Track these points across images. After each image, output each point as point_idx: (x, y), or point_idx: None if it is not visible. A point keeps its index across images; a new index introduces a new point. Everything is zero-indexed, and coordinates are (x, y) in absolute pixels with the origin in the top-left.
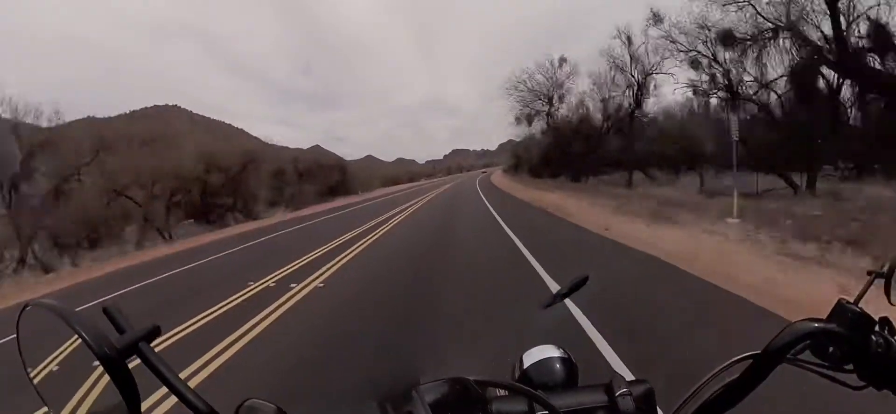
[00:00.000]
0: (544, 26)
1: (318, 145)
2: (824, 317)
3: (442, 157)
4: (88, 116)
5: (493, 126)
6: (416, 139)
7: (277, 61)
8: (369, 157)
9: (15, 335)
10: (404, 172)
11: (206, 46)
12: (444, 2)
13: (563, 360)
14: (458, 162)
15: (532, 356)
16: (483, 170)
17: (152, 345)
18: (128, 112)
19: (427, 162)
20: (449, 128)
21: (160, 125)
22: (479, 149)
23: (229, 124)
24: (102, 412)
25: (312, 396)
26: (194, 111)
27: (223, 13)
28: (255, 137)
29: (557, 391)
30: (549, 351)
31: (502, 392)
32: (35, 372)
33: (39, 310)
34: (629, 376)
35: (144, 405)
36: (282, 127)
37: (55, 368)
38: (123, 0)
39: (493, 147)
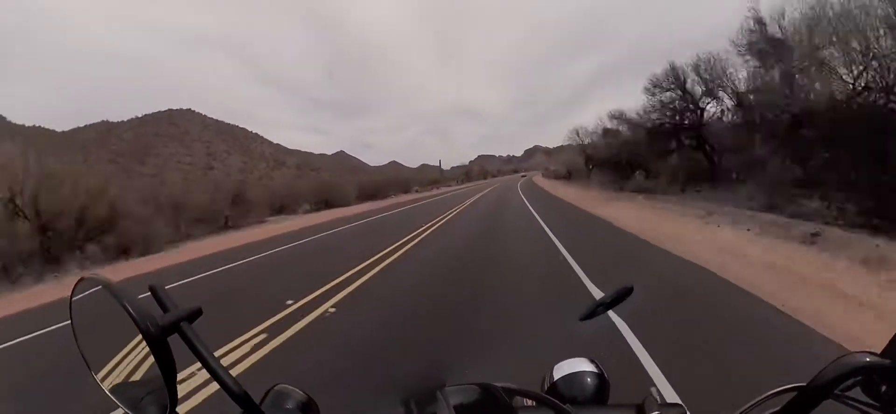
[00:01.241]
0: (567, 34)
1: (342, 151)
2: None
3: (468, 163)
4: (103, 120)
5: (519, 132)
6: (442, 145)
7: (304, 70)
8: (393, 163)
9: (69, 304)
10: (411, 178)
11: (234, 56)
12: (468, 11)
13: (595, 374)
14: (484, 167)
15: (563, 369)
16: (521, 173)
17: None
18: (140, 115)
19: (453, 167)
20: (474, 134)
21: (170, 129)
22: (505, 155)
23: (244, 129)
24: (141, 383)
25: (340, 385)
26: (207, 115)
27: (252, 25)
28: (274, 143)
29: (587, 407)
30: (581, 365)
31: (529, 403)
32: (83, 338)
33: (92, 284)
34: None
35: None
36: (309, 134)
37: (102, 338)
38: (150, 10)
39: (519, 153)
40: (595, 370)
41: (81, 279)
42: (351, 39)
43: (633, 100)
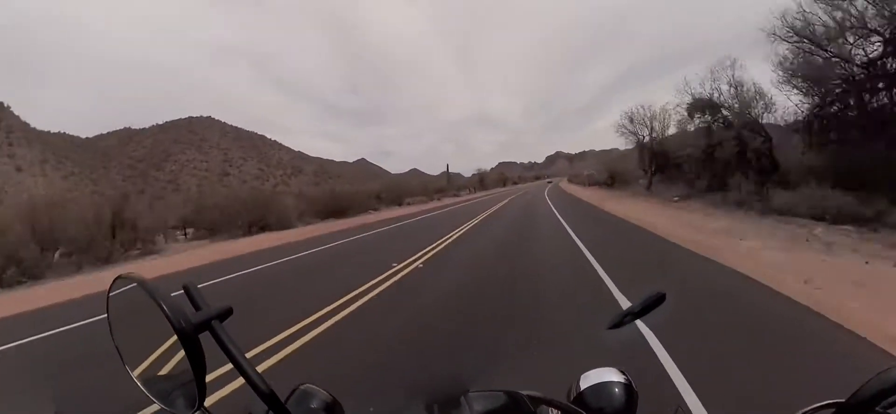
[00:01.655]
0: (585, 38)
1: (363, 158)
2: None
3: (488, 170)
4: (126, 127)
5: (539, 139)
6: (462, 153)
7: (326, 80)
8: (414, 170)
9: (106, 300)
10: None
11: (258, 67)
12: (487, 20)
13: (623, 385)
14: (504, 173)
15: (590, 378)
16: (546, 179)
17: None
18: (160, 123)
19: (473, 174)
20: (494, 142)
21: (189, 136)
22: (526, 161)
23: (263, 136)
24: (171, 377)
25: (365, 387)
26: (227, 122)
27: (275, 37)
28: (295, 150)
29: None
30: (609, 374)
31: (555, 412)
32: (118, 332)
33: (129, 282)
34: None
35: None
36: (330, 142)
37: (135, 333)
38: (177, 24)
39: (540, 159)
40: (623, 381)
41: (119, 277)
42: (372, 49)
43: (658, 102)
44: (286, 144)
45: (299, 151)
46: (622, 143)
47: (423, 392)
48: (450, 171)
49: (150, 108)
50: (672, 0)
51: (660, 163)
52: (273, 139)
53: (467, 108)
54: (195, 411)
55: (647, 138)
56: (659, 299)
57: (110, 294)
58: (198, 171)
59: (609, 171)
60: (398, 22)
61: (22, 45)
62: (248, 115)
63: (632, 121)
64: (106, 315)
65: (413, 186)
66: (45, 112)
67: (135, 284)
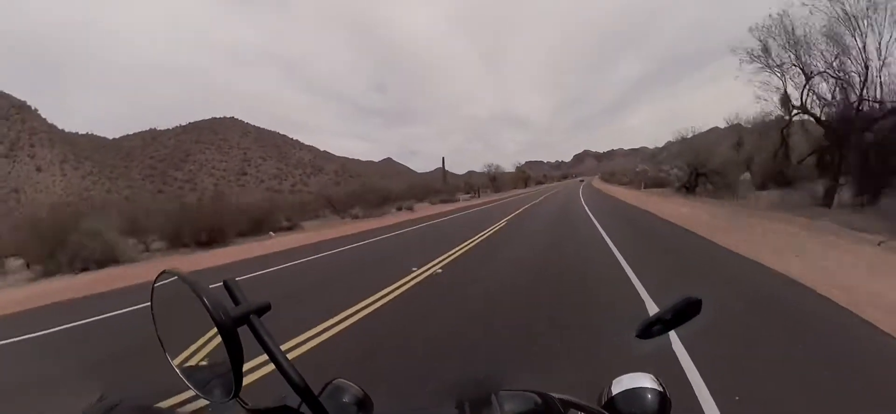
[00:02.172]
0: (610, 35)
1: (389, 158)
2: None
3: (514, 169)
4: (151, 128)
5: (566, 138)
6: (488, 151)
7: (354, 81)
8: (439, 169)
9: (151, 291)
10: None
11: (287, 70)
12: (512, 19)
13: (656, 392)
14: (527, 172)
15: (622, 384)
16: (578, 178)
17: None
18: (183, 124)
19: (487, 170)
20: (520, 140)
21: (210, 136)
22: (553, 160)
23: (285, 136)
24: (209, 368)
25: (397, 382)
26: (250, 123)
27: (301, 39)
28: (319, 150)
29: None
30: (642, 380)
31: None
32: (160, 323)
33: (172, 276)
34: None
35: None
36: (358, 141)
37: (177, 324)
38: (204, 25)
39: (567, 158)
40: (657, 388)
41: (163, 271)
42: (400, 50)
43: (688, 98)
44: (309, 143)
45: (325, 151)
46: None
47: (454, 389)
48: (478, 171)
49: (180, 110)
50: None
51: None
52: (295, 139)
53: (494, 108)
54: (231, 400)
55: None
56: (694, 306)
57: (154, 286)
58: (216, 171)
59: (692, 165)
60: (425, 22)
61: (61, 52)
62: (277, 116)
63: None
64: (150, 306)
65: (398, 191)
66: (81, 115)
67: (177, 278)
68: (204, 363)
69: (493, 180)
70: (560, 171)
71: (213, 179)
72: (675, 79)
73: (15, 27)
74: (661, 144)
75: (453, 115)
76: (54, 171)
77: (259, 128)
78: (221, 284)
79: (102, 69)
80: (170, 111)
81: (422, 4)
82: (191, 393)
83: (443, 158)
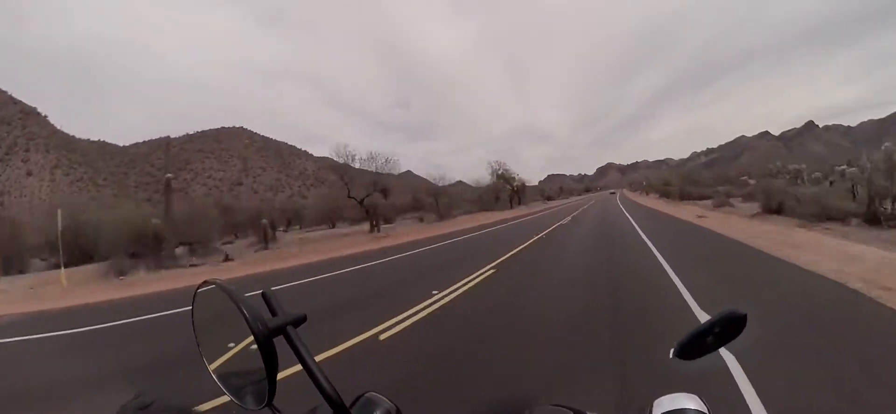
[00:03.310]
0: (632, 50)
1: (409, 171)
2: None
3: (537, 183)
4: (164, 136)
5: (589, 151)
6: (511, 165)
7: (377, 97)
8: (459, 182)
9: (192, 300)
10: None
11: (313, 86)
12: (534, 35)
13: None
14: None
15: (663, 405)
16: (610, 190)
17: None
18: (191, 132)
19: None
20: (543, 154)
21: (213, 145)
22: (576, 173)
23: (293, 146)
24: (245, 375)
25: (429, 399)
26: (257, 132)
27: (327, 58)
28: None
29: None
30: (684, 401)
31: None
32: (200, 331)
33: (212, 285)
34: None
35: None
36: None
37: (216, 331)
38: (237, 46)
39: (591, 171)
40: (702, 410)
41: (205, 281)
42: (423, 66)
43: (714, 110)
44: (316, 154)
45: (344, 164)
46: None
47: (486, 405)
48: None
49: (206, 124)
50: (718, 5)
51: None
52: (303, 149)
53: (516, 122)
54: (263, 407)
55: None
56: (739, 322)
57: (196, 295)
58: (210, 180)
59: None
60: (449, 40)
61: (102, 68)
62: (300, 131)
63: None
64: (191, 312)
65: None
66: (112, 125)
67: (217, 287)
68: (239, 370)
69: (480, 201)
70: (583, 183)
71: (206, 189)
72: (694, 90)
73: (60, 42)
74: (686, 155)
75: (475, 129)
76: (44, 176)
77: (266, 137)
78: (260, 294)
79: (135, 82)
80: (197, 124)
81: (447, 24)
82: (225, 398)
83: (495, 170)
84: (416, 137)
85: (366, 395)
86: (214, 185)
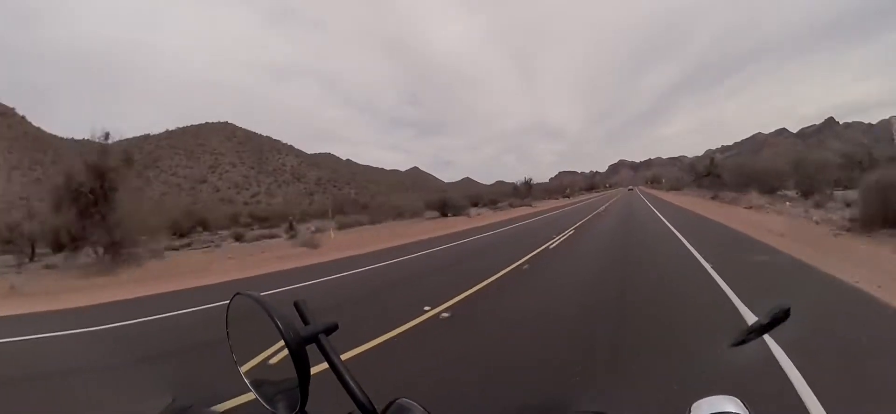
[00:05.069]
0: (644, 45)
1: (416, 167)
2: None
3: (548, 180)
4: (144, 134)
5: (600, 148)
6: (521, 162)
7: (386, 94)
8: (467, 178)
9: (226, 311)
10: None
11: (323, 83)
12: (545, 31)
13: None
14: (563, 182)
15: (702, 408)
16: (627, 187)
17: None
18: (171, 128)
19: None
20: (554, 151)
21: (188, 141)
22: (587, 171)
23: (277, 141)
24: (277, 382)
25: (462, 405)
26: (239, 126)
27: (338, 55)
28: (309, 155)
29: None
30: (725, 404)
31: None
32: (234, 339)
33: (247, 296)
34: None
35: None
36: (387, 151)
37: (249, 340)
38: (246, 43)
39: (602, 168)
40: (743, 413)
41: (238, 292)
42: (433, 63)
43: (728, 106)
44: (339, 153)
45: (347, 160)
46: None
47: (523, 409)
48: (507, 181)
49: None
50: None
51: None
52: (288, 144)
53: (527, 119)
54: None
55: None
56: (784, 315)
57: (230, 306)
58: (173, 179)
59: None
60: (459, 36)
61: (115, 66)
62: (313, 128)
63: None
64: (225, 321)
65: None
66: (113, 125)
67: (251, 298)
68: (272, 378)
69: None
70: (594, 181)
71: (165, 188)
72: (708, 86)
73: (66, 43)
74: (700, 153)
75: (486, 126)
76: (1, 177)
77: (248, 131)
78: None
79: (146, 82)
80: (180, 120)
81: (456, 19)
82: (250, 395)
83: (529, 179)
84: (426, 134)
85: (397, 401)
86: (177, 183)
